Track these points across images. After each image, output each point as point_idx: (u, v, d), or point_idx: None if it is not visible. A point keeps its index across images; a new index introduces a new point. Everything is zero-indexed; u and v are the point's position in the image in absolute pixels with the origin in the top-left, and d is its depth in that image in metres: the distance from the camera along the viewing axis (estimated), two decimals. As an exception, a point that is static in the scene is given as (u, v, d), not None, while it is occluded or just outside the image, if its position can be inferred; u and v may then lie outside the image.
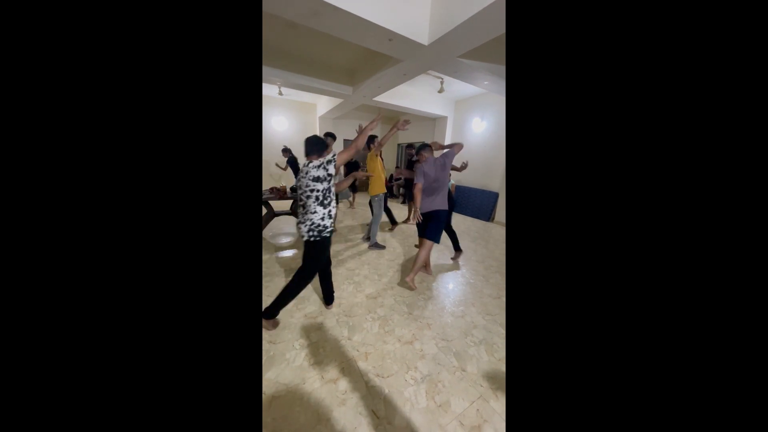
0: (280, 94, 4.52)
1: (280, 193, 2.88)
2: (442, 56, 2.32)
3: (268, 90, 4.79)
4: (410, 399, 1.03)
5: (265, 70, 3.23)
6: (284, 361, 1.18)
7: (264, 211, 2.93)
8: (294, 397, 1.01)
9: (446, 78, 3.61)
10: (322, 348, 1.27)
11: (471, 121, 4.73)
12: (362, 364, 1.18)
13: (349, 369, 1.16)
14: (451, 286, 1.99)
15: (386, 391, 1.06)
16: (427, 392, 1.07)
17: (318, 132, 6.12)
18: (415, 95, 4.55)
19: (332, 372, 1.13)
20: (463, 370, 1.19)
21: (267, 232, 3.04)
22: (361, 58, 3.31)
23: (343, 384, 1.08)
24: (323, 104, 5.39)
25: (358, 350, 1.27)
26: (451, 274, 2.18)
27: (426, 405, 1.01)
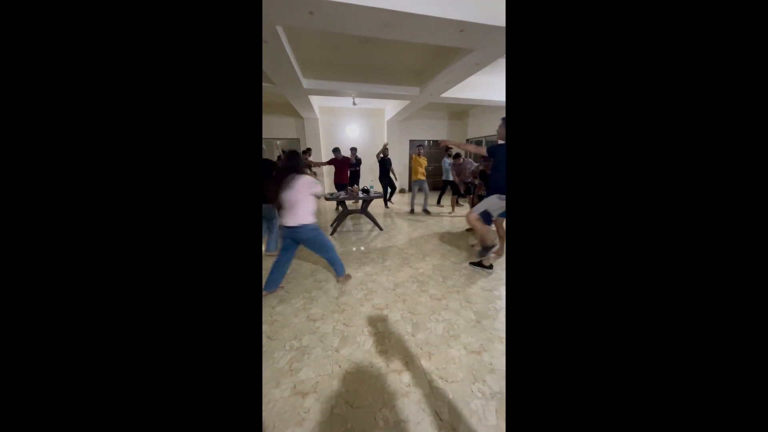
0: (354, 104, 5.01)
1: (353, 195, 3.22)
2: (524, 35, 2.03)
3: (343, 102, 5.40)
4: (477, 412, 0.97)
5: (340, 85, 3.65)
6: (355, 343, 1.32)
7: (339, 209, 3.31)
8: (363, 377, 1.12)
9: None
10: (388, 339, 1.34)
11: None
12: (425, 363, 1.19)
13: (412, 364, 1.18)
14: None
15: (450, 396, 1.03)
16: (498, 411, 0.97)
17: (385, 136, 6.46)
18: (489, 84, 4.13)
19: (396, 363, 1.19)
20: (545, 399, 1.02)
21: (341, 227, 3.44)
22: (427, 56, 3.28)
23: (407, 377, 1.12)
24: (391, 108, 5.63)
25: (421, 348, 1.28)
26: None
27: (496, 424, 0.92)
